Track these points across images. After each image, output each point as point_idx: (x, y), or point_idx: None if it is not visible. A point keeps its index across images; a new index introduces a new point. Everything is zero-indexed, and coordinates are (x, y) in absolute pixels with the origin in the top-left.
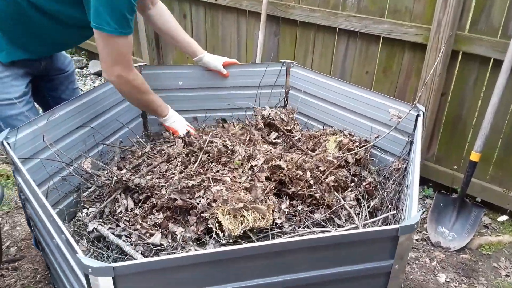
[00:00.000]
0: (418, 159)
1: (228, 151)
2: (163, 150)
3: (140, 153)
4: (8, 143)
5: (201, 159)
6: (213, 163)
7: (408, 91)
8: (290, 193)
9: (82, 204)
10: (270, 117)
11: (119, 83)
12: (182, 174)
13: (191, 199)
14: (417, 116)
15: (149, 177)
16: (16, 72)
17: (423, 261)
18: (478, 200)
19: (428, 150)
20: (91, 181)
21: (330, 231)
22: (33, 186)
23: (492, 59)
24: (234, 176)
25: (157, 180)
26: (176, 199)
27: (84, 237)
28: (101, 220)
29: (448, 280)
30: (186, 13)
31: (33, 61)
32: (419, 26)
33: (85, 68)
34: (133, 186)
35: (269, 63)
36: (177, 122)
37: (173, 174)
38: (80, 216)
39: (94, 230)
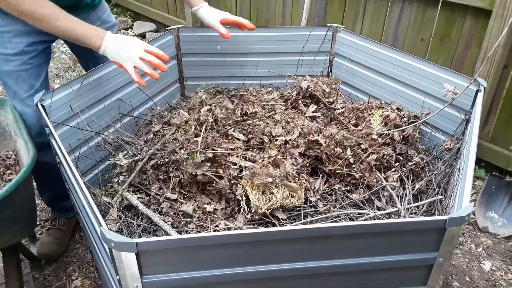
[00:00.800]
0: (475, 139)
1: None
2: (169, 120)
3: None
4: (43, 105)
5: (209, 127)
6: (235, 132)
7: (466, 62)
8: (327, 171)
9: (114, 172)
10: (310, 89)
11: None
12: (198, 146)
13: (214, 173)
14: (477, 91)
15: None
16: (17, 28)
17: (468, 246)
18: None
19: (483, 128)
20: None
21: (368, 214)
22: (64, 153)
23: None
24: (262, 150)
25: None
26: (196, 175)
27: (115, 206)
28: (131, 189)
29: (494, 268)
30: None
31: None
32: None
33: (129, 30)
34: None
35: (313, 27)
36: (120, 53)
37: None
38: (112, 184)
39: (124, 198)
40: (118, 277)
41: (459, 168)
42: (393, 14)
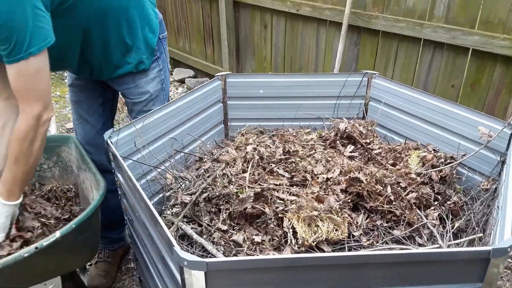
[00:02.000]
0: None
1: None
2: (218, 157)
3: (206, 161)
4: (111, 142)
5: (257, 164)
6: (279, 170)
7: (497, 108)
8: (368, 207)
9: (168, 204)
10: (348, 130)
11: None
12: (246, 181)
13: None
14: (511, 134)
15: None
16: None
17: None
18: None
19: None
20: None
21: (410, 249)
22: (134, 181)
23: None
24: (305, 186)
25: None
26: (246, 207)
27: (172, 234)
28: (184, 220)
29: None
30: (267, 23)
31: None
32: None
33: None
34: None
35: (350, 73)
36: None
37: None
38: (166, 215)
39: (179, 228)
40: None
41: (497, 207)
42: (424, 62)
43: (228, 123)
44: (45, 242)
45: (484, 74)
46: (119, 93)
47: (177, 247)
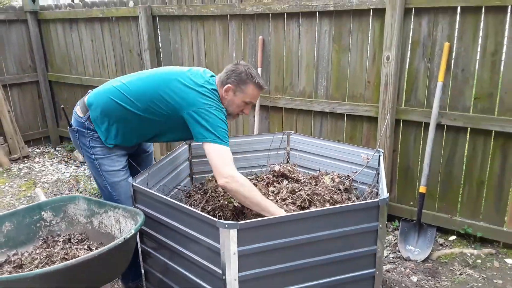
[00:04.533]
0: (383, 176)
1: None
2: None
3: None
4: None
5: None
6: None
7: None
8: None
9: None
10: (281, 170)
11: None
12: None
13: None
14: (379, 156)
15: None
16: (119, 152)
17: (399, 269)
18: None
19: (390, 193)
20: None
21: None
22: (163, 196)
23: (423, 123)
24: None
25: None
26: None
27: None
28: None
29: (419, 279)
30: None
31: (131, 147)
32: (371, 105)
33: None
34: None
35: (275, 133)
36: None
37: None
38: None
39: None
40: (223, 250)
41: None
42: (316, 127)
43: (193, 176)
44: (127, 235)
45: (357, 130)
46: None
47: (219, 221)
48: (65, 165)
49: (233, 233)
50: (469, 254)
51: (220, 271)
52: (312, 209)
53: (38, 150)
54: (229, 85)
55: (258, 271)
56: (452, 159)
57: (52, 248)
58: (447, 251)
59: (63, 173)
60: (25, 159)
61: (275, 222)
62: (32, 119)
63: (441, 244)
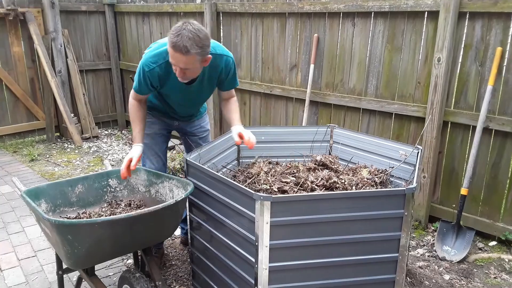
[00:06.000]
0: (416, 173)
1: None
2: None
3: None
4: (188, 159)
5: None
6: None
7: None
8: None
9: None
10: (322, 160)
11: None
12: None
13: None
14: (417, 153)
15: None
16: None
17: (433, 267)
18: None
19: (433, 195)
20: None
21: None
22: (212, 171)
23: (471, 126)
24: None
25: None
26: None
27: None
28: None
29: (451, 278)
30: (246, 101)
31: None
32: (419, 105)
33: None
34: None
35: (319, 126)
36: (129, 154)
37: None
38: None
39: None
40: (257, 220)
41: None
42: (363, 124)
43: (240, 160)
44: (178, 198)
45: (404, 129)
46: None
47: (255, 193)
48: (129, 147)
49: (267, 204)
50: (507, 260)
51: (254, 238)
52: None
53: (106, 132)
54: None
55: (287, 242)
56: (498, 164)
57: (115, 209)
58: (485, 255)
59: (127, 153)
60: (95, 138)
61: (306, 199)
62: (103, 103)
63: (480, 249)
